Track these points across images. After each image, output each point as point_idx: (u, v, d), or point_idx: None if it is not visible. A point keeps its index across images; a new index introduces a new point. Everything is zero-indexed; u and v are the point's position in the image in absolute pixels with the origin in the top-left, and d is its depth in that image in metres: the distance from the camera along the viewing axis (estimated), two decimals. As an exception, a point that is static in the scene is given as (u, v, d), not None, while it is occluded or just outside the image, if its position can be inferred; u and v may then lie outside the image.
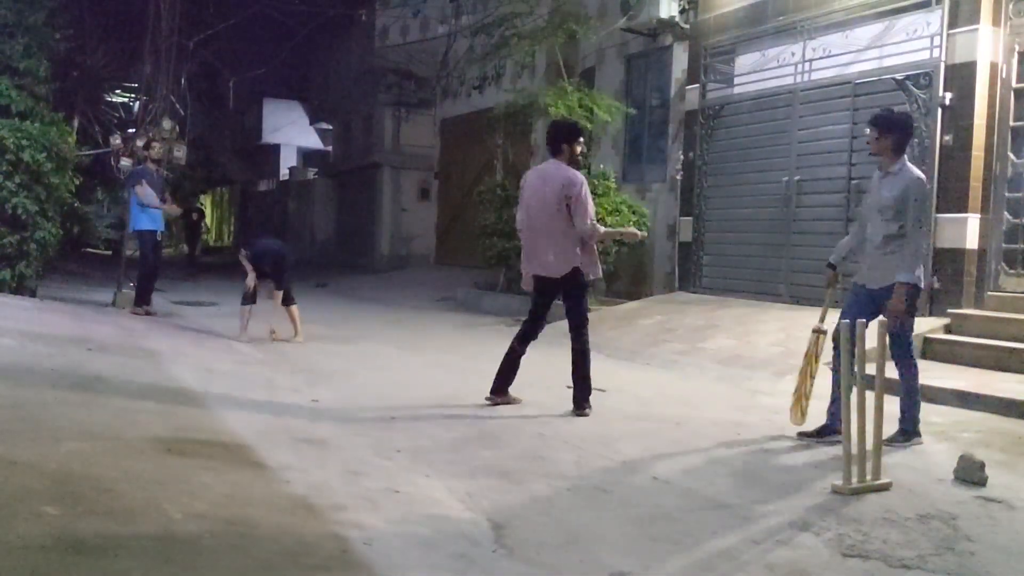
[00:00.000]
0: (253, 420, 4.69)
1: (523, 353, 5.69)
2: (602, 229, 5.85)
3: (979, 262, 7.67)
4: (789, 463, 4.43)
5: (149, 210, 9.57)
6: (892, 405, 5.13)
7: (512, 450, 4.50)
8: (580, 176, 5.57)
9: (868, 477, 3.90)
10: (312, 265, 22.08)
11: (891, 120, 4.94)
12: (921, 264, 4.82)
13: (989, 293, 7.62)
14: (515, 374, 5.69)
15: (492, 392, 5.68)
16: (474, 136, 17.24)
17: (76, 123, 13.39)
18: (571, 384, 5.91)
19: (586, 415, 5.41)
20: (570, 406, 5.61)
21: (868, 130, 4.97)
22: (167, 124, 11.72)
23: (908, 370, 4.89)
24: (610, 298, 11.39)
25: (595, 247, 5.65)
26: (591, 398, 5.53)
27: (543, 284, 5.57)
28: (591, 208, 5.55)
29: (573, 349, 5.57)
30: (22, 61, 10.02)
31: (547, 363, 7.63)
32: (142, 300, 9.68)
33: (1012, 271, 7.55)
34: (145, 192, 9.47)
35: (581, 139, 5.76)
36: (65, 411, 4.16)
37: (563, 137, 5.59)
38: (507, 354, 5.70)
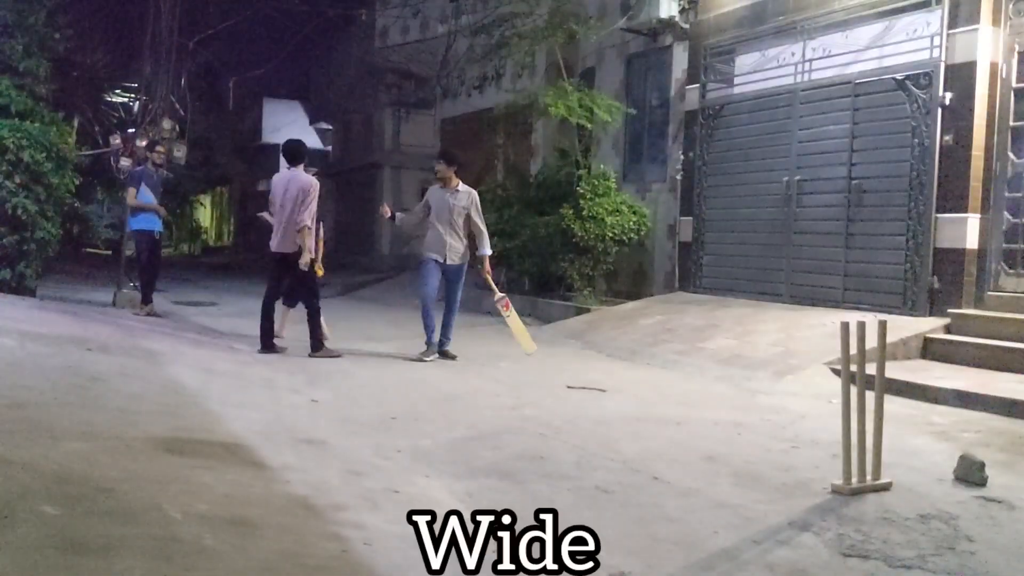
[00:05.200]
0: (253, 420, 4.69)
1: (273, 311, 7.68)
2: (309, 229, 7.57)
3: (979, 262, 7.67)
4: (789, 463, 4.42)
5: (142, 210, 9.57)
6: (892, 405, 5.13)
7: (512, 450, 4.50)
8: (312, 183, 7.53)
9: (868, 477, 3.89)
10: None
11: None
12: None
13: (989, 293, 7.62)
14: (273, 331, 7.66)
15: (263, 348, 7.49)
16: (474, 136, 17.23)
17: (76, 123, 13.37)
18: (571, 384, 6.03)
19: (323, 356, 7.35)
20: (571, 407, 5.64)
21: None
22: (167, 124, 11.72)
23: None
24: (610, 298, 11.40)
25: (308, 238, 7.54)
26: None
27: (283, 258, 7.58)
28: (314, 211, 7.56)
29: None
30: (22, 61, 10.02)
31: (546, 363, 7.64)
32: (143, 300, 9.70)
33: (1012, 271, 7.55)
34: (132, 195, 9.48)
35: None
36: (65, 411, 4.16)
37: (303, 153, 7.70)
38: (263, 317, 7.58)
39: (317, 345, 7.50)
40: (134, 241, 9.93)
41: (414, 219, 8.03)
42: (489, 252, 7.94)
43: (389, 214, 7.95)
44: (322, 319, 7.80)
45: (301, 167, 7.63)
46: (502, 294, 8.18)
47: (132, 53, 15.12)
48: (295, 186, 7.46)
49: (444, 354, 7.70)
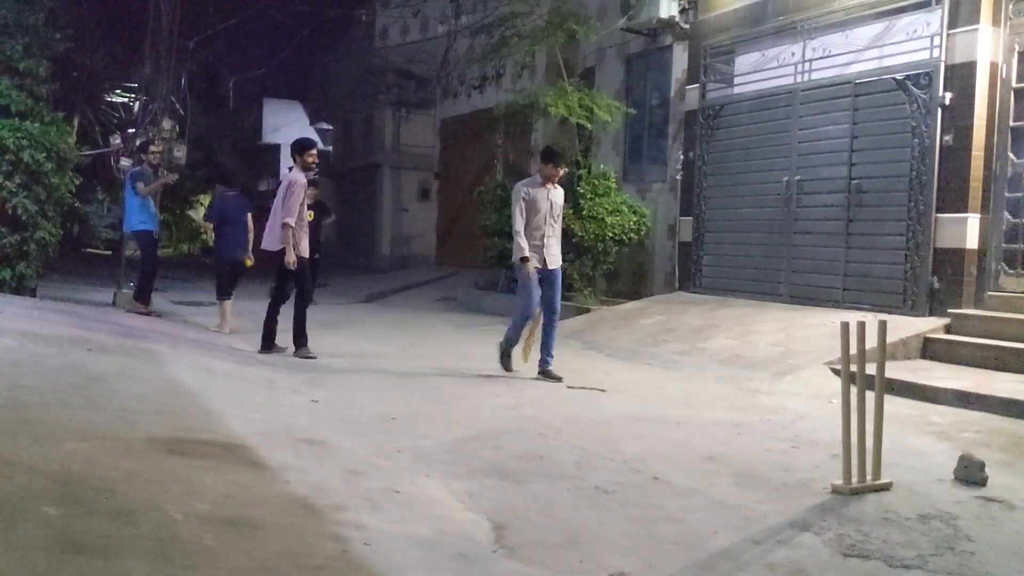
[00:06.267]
0: (253, 420, 4.69)
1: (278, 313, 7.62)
2: (290, 226, 7.39)
3: (979, 262, 7.67)
4: (789, 463, 4.43)
5: (146, 210, 9.58)
6: (892, 405, 5.14)
7: (512, 450, 4.50)
8: (292, 179, 7.42)
9: (868, 477, 3.90)
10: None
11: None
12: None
13: (989, 293, 7.62)
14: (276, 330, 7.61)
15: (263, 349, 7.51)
16: (474, 136, 17.24)
17: (76, 123, 13.38)
18: (571, 384, 6.07)
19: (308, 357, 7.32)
20: (571, 407, 5.65)
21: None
22: (167, 124, 11.72)
23: None
24: (610, 298, 11.40)
25: (290, 236, 7.37)
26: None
27: (271, 256, 7.60)
28: (292, 207, 7.35)
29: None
30: (22, 61, 10.00)
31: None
32: (143, 299, 9.69)
33: (1012, 271, 7.55)
34: (143, 188, 9.51)
35: (313, 151, 7.68)
36: (65, 412, 4.16)
37: (295, 150, 7.66)
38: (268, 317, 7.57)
39: (301, 342, 7.46)
40: (136, 242, 9.91)
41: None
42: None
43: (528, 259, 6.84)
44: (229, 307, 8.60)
45: (295, 165, 7.65)
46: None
47: (132, 53, 15.12)
48: (283, 183, 7.53)
49: (547, 374, 6.71)
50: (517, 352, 6.98)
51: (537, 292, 6.79)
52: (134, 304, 9.61)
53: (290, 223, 7.34)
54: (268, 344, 7.53)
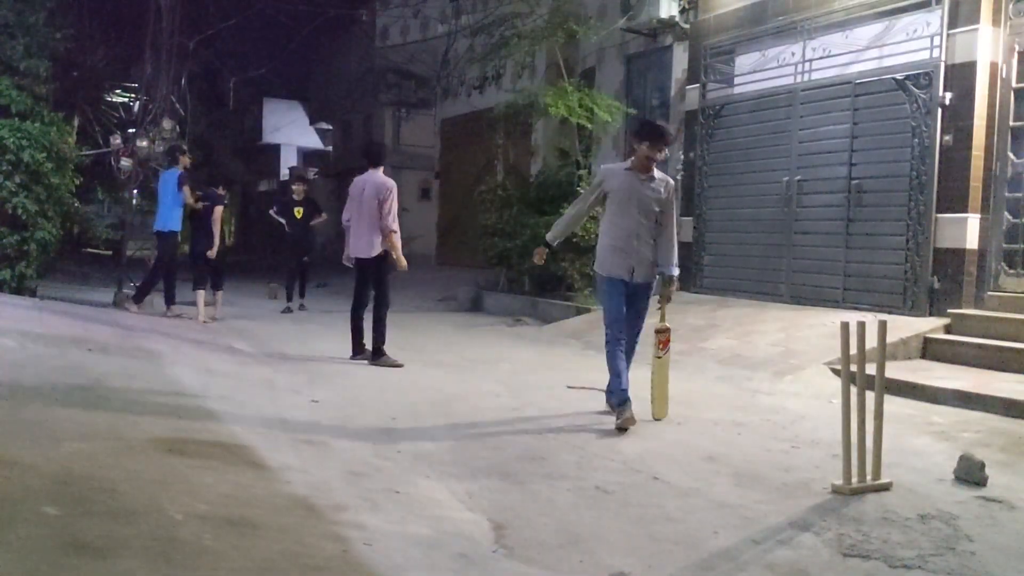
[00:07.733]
0: (253, 420, 4.69)
1: (362, 318, 7.49)
2: (396, 231, 7.28)
3: (979, 262, 7.67)
4: (789, 463, 4.43)
5: (176, 212, 9.63)
6: (892, 405, 5.14)
7: (512, 451, 4.50)
8: (392, 184, 7.31)
9: (868, 477, 3.90)
10: (312, 265, 22.02)
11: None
12: None
13: (989, 293, 7.62)
14: (362, 336, 7.47)
15: (353, 355, 7.41)
16: (474, 136, 17.24)
17: (76, 123, 13.38)
18: (571, 384, 6.08)
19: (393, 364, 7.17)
20: (570, 407, 5.66)
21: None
22: (167, 124, 11.72)
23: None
24: (610, 298, 11.39)
25: (397, 242, 7.30)
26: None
27: (360, 263, 7.43)
28: (394, 213, 7.24)
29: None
30: (22, 61, 10.03)
31: (546, 363, 7.64)
32: (138, 300, 9.69)
33: (1012, 271, 7.55)
34: (190, 194, 9.58)
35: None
36: (66, 412, 4.16)
37: (383, 154, 7.73)
38: (352, 323, 7.49)
39: (379, 352, 7.27)
40: (166, 241, 9.84)
41: (576, 221, 5.79)
42: (678, 270, 5.59)
43: (543, 258, 5.66)
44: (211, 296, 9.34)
45: (380, 169, 7.45)
46: (668, 326, 5.76)
47: (132, 53, 15.13)
48: (371, 187, 7.26)
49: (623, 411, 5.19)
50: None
51: (617, 308, 5.40)
52: (169, 308, 9.71)
53: (396, 229, 7.23)
54: (377, 355, 7.29)
